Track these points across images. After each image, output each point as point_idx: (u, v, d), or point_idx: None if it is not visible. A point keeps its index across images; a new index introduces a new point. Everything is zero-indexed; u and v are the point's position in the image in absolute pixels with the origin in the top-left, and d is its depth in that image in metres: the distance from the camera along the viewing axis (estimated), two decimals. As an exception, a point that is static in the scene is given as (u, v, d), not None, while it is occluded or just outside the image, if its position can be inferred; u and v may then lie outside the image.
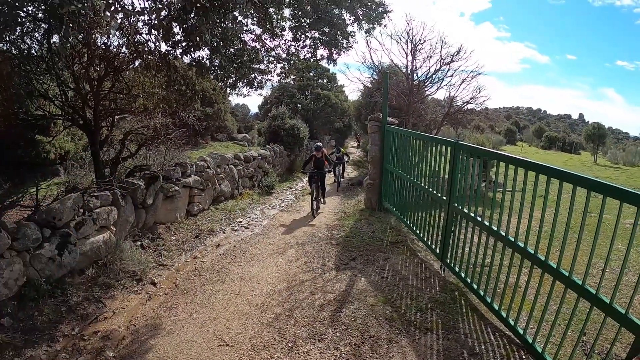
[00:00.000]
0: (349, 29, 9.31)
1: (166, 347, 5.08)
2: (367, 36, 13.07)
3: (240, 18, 7.35)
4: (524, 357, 4.69)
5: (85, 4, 4.24)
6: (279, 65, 9.85)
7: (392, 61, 19.67)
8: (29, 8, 5.98)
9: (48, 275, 5.79)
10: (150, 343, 5.16)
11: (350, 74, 43.90)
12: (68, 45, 6.37)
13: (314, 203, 11.81)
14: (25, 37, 6.70)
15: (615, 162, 38.40)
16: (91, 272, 6.58)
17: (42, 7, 5.80)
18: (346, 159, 18.83)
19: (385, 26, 9.60)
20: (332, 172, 17.41)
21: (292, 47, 9.42)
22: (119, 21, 5.81)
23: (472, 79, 18.69)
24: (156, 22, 5.69)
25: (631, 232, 3.41)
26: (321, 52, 9.60)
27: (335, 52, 9.52)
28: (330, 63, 9.92)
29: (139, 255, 7.24)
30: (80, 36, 6.36)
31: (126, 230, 7.77)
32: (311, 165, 12.73)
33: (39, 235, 5.73)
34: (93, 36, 6.46)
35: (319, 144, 12.85)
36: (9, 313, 5.17)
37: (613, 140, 65.16)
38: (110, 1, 5.04)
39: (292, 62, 9.68)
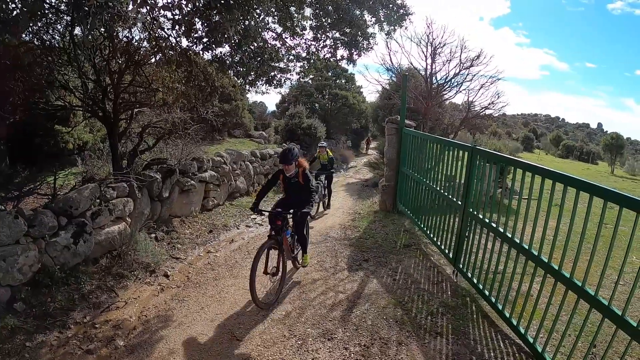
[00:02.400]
0: (370, 30, 9.29)
1: (176, 338, 5.12)
2: (387, 38, 13.01)
3: (262, 16, 7.38)
4: (533, 365, 4.67)
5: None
6: (298, 64, 9.86)
7: (412, 63, 19.78)
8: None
9: (62, 263, 5.86)
10: (161, 334, 5.20)
11: (369, 75, 43.63)
12: (90, 37, 6.45)
13: (257, 294, 5.67)
14: (48, 29, 6.80)
15: (632, 173, 38.01)
16: (105, 262, 6.65)
17: (65, -1, 5.89)
18: (332, 166, 12.48)
19: (406, 28, 9.51)
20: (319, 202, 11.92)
21: (313, 46, 9.41)
22: (145, 15, 5.87)
23: (492, 84, 18.66)
24: (180, 17, 5.73)
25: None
26: (341, 52, 9.58)
27: (355, 53, 9.49)
28: (350, 64, 9.88)
29: (152, 247, 7.30)
30: (102, 29, 6.43)
31: (141, 222, 7.83)
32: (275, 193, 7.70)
33: (55, 223, 5.80)
34: (115, 29, 6.53)
35: (293, 148, 6.54)
36: (22, 298, 5.25)
37: (631, 151, 64.44)
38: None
39: (312, 61, 9.69)
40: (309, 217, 7.19)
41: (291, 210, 6.38)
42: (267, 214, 6.45)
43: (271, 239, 6.16)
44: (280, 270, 6.32)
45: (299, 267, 7.19)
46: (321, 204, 12.22)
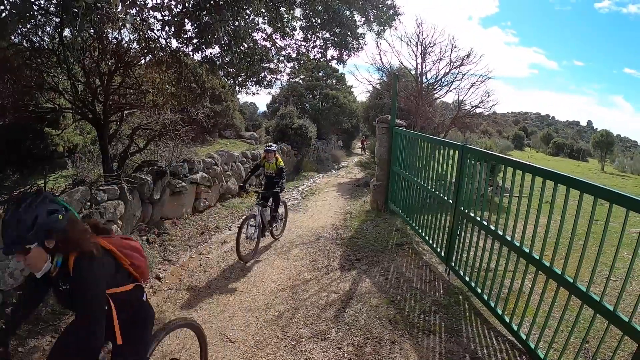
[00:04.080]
0: (360, 30, 9.32)
1: (169, 341, 5.09)
2: (377, 38, 13.03)
3: (252, 16, 7.37)
4: (526, 362, 4.69)
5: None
6: (288, 65, 9.86)
7: (402, 63, 19.82)
8: (41, 1, 6.02)
9: (54, 267, 5.80)
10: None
11: (360, 75, 44.02)
12: (79, 39, 6.42)
13: None
14: (37, 30, 6.75)
15: (622, 170, 38.27)
16: (96, 265, 6.60)
17: (54, 0, 5.84)
18: (280, 182, 8.57)
19: (395, 28, 9.54)
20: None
21: (303, 47, 9.42)
22: (134, 17, 5.85)
23: (482, 83, 18.76)
24: (169, 18, 5.72)
25: (637, 240, 3.39)
26: (331, 52, 9.61)
27: (345, 53, 9.51)
28: (340, 64, 9.90)
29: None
30: (92, 30, 6.41)
31: (132, 224, 7.80)
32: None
33: (46, 227, 5.74)
34: (105, 31, 6.49)
35: (38, 200, 2.31)
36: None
37: (621, 148, 64.93)
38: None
39: (302, 61, 9.68)
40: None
41: None
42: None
43: None
44: None
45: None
46: (268, 233, 8.69)
